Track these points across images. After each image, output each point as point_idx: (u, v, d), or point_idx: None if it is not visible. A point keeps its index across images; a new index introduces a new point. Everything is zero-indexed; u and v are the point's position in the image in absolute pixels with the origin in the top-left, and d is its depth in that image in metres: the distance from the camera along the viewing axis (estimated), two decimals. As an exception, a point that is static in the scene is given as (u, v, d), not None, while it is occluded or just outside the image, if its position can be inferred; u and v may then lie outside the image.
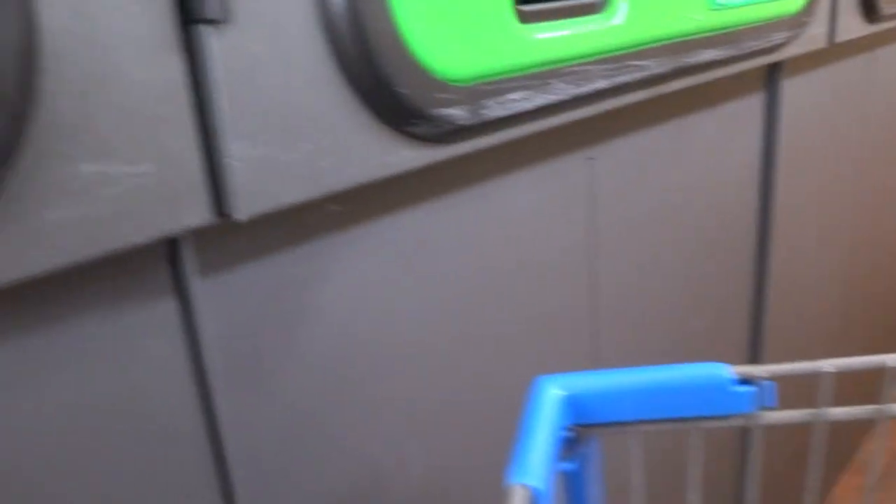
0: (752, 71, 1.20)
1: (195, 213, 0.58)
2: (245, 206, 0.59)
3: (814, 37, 1.26)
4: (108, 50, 0.51)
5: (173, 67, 0.54)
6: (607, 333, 1.09)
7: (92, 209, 0.53)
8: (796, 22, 1.15)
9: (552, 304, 0.99)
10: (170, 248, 0.62)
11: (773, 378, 0.59)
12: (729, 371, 0.59)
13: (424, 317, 0.82)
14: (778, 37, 1.12)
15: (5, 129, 0.47)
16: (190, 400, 0.66)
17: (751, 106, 1.29)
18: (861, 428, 2.26)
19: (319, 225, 0.71)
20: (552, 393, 0.59)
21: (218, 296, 0.66)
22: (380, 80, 0.63)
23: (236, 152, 0.58)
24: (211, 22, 0.54)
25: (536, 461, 0.52)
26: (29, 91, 0.48)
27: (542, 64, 0.75)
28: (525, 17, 0.73)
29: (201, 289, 0.65)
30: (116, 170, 0.53)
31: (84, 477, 0.61)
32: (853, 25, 1.38)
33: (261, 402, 0.71)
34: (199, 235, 0.63)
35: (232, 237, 0.66)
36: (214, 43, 0.55)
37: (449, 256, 0.83)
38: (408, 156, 0.68)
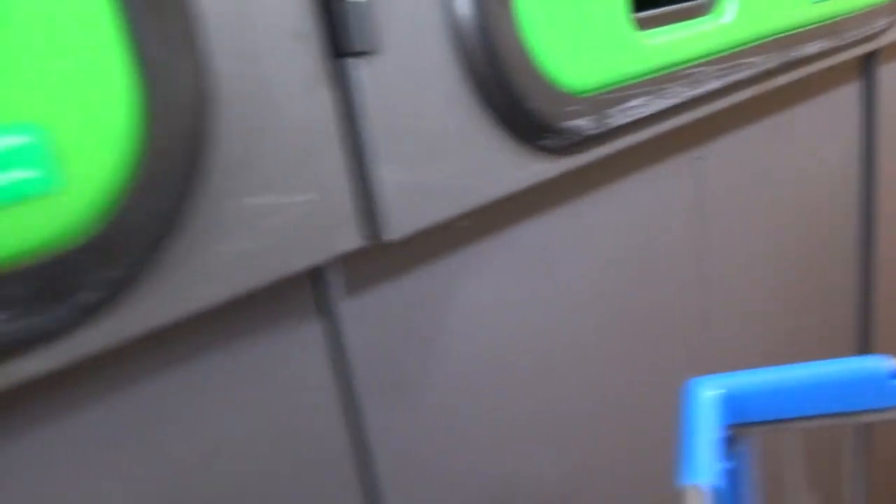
0: (849, 60, 1.18)
1: (349, 237, 0.60)
2: (395, 228, 0.61)
3: (911, 20, 1.23)
4: (269, 88, 0.54)
5: (326, 100, 0.57)
6: (718, 330, 1.08)
7: (258, 240, 0.55)
8: (894, 8, 1.13)
9: (666, 305, 0.99)
10: (312, 270, 0.65)
11: (935, 368, 0.58)
12: (888, 363, 0.58)
13: (550, 325, 0.83)
14: (878, 24, 1.10)
15: (186, 171, 0.50)
16: (337, 418, 0.69)
17: (848, 95, 1.27)
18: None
19: (451, 241, 0.73)
20: (708, 393, 0.59)
21: (360, 314, 0.68)
22: (511, 97, 0.65)
23: (386, 177, 0.60)
24: (359, 54, 0.57)
25: (705, 461, 0.53)
26: (206, 134, 0.51)
27: (659, 69, 0.75)
28: (641, 24, 0.74)
29: (346, 308, 0.67)
30: (278, 201, 0.56)
31: (238, 490, 0.63)
32: (949, 5, 1.34)
33: (403, 417, 0.73)
34: (343, 256, 0.65)
35: (372, 257, 0.68)
36: (362, 74, 0.58)
37: (570, 264, 0.84)
38: (538, 168, 0.70)
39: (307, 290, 0.65)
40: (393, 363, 0.71)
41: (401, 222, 0.62)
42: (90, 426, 0.54)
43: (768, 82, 0.93)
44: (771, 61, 0.89)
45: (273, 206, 0.56)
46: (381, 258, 0.69)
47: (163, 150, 0.48)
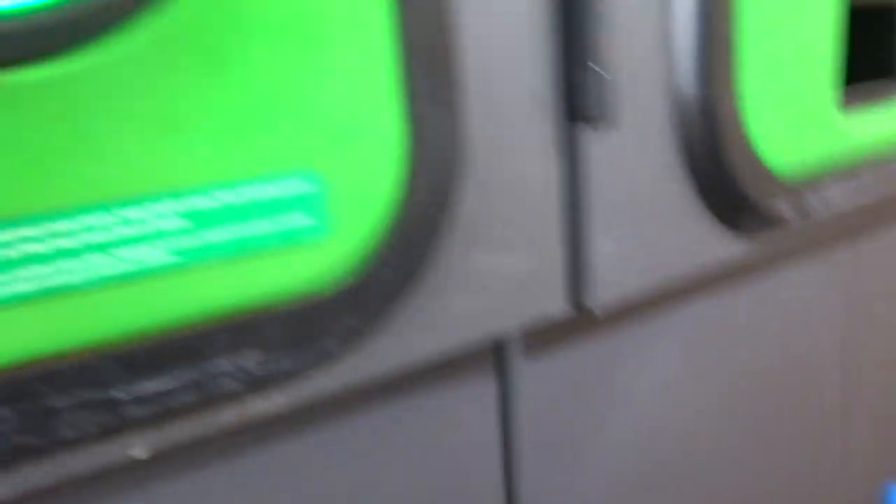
0: None
1: (557, 302, 0.60)
2: (599, 298, 0.61)
3: None
4: (506, 148, 0.54)
5: (554, 164, 0.57)
6: (861, 427, 1.04)
7: (478, 298, 0.55)
8: None
9: (812, 399, 0.96)
10: None
11: None
12: None
13: (709, 407, 0.81)
14: None
15: (435, 227, 0.50)
16: (495, 473, 0.68)
17: None
18: None
19: (625, 311, 0.72)
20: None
21: (534, 375, 0.68)
22: (721, 173, 0.64)
23: (599, 246, 0.60)
24: (592, 122, 0.57)
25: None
26: (456, 191, 0.51)
27: (858, 155, 0.74)
28: (845, 108, 0.73)
29: (521, 367, 0.66)
30: (501, 261, 0.56)
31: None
32: None
33: (557, 482, 0.72)
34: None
35: (552, 321, 0.67)
36: (592, 141, 0.58)
37: (739, 345, 0.82)
38: (733, 248, 0.69)
39: (487, 347, 0.65)
40: (557, 427, 0.70)
41: (605, 292, 0.61)
42: (277, 470, 0.54)
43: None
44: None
45: (496, 266, 0.56)
46: (561, 322, 0.68)
47: (419, 205, 0.49)
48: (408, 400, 0.61)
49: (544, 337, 0.68)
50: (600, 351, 0.71)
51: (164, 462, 0.49)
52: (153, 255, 0.41)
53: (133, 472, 0.48)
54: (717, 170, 0.64)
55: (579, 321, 0.69)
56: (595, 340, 0.71)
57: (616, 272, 0.62)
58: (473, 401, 0.65)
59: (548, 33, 0.55)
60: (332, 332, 0.47)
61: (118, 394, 0.41)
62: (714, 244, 0.68)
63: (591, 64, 0.53)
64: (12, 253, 0.37)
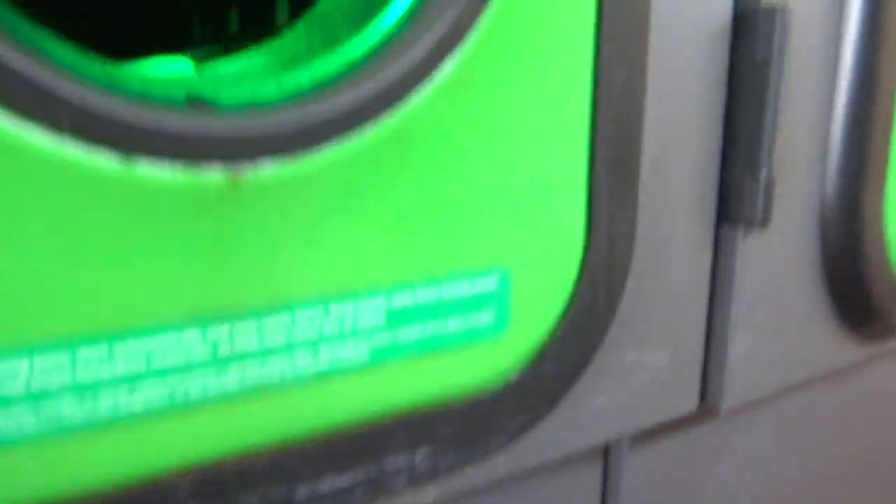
0: None
1: (686, 400, 0.59)
2: (730, 397, 0.60)
3: None
4: (660, 250, 0.54)
5: (705, 264, 0.56)
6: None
7: (621, 395, 0.54)
8: None
9: None
10: None
11: None
12: None
13: (819, 499, 0.80)
14: None
15: (601, 324, 0.50)
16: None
17: None
18: None
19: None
20: None
21: (638, 467, 0.66)
22: (857, 283, 0.63)
23: (735, 346, 0.59)
24: (747, 225, 0.56)
25: None
26: (622, 290, 0.50)
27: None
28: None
29: (626, 459, 0.65)
30: (644, 359, 0.55)
31: None
32: None
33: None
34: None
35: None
36: (741, 243, 0.57)
37: (844, 440, 0.81)
38: (855, 352, 0.68)
39: None
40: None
41: (734, 392, 0.60)
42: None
43: None
44: None
45: (642, 363, 0.55)
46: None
47: (589, 301, 0.48)
48: (523, 487, 0.59)
49: (651, 429, 0.66)
50: (704, 442, 0.70)
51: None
52: (352, 351, 0.40)
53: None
54: (854, 280, 0.63)
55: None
56: (699, 432, 0.70)
57: (746, 373, 0.61)
58: (579, 489, 0.64)
59: (717, 135, 0.54)
60: (502, 429, 0.46)
61: (301, 491, 0.40)
62: (839, 349, 0.67)
63: (763, 170, 0.53)
64: (226, 349, 0.36)
